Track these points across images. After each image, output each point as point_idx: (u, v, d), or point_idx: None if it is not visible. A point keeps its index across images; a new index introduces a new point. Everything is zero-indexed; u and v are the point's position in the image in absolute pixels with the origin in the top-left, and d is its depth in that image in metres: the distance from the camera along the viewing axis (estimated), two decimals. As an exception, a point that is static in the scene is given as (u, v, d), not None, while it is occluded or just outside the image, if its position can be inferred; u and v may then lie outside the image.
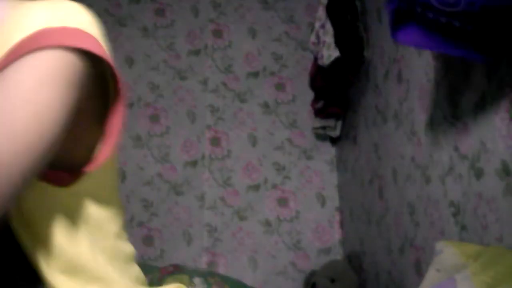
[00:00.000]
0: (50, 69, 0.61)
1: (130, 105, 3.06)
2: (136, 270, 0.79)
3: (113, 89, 0.69)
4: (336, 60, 2.32)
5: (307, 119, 3.02)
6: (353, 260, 2.42)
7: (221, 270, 2.76)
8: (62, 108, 0.60)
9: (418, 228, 1.68)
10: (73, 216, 0.69)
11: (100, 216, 0.72)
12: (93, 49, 0.64)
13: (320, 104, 2.72)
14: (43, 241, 0.66)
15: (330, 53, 2.34)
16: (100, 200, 0.72)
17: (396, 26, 1.21)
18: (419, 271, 1.65)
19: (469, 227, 1.32)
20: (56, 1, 0.67)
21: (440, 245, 1.19)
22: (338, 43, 2.30)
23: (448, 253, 1.13)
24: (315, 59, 2.57)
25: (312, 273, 2.58)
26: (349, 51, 2.32)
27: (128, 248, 0.77)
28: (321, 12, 2.48)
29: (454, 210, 1.42)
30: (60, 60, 0.62)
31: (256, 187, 2.93)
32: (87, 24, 0.67)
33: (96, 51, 0.64)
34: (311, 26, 2.72)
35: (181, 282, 2.13)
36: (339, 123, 2.83)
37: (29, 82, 0.59)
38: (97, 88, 0.69)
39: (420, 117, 1.69)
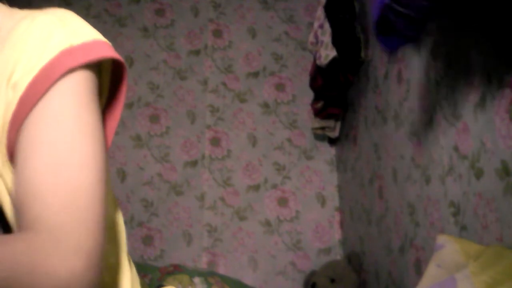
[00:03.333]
0: (83, 92, 0.63)
1: (130, 105, 3.06)
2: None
3: (107, 81, 0.71)
4: (334, 60, 2.32)
5: (307, 119, 3.02)
6: (353, 260, 2.42)
7: (221, 270, 2.76)
8: (99, 121, 0.64)
9: (418, 228, 1.68)
10: None
11: None
12: (115, 55, 0.66)
13: (320, 105, 2.72)
14: None
15: (327, 53, 2.34)
16: None
17: (383, 36, 1.24)
18: (419, 271, 1.65)
19: (469, 227, 1.32)
20: (55, 12, 0.68)
21: (441, 239, 1.19)
22: (335, 43, 2.30)
23: (449, 249, 1.13)
24: (315, 59, 2.58)
25: (312, 273, 2.58)
26: (346, 51, 2.32)
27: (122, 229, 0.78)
28: (320, 12, 2.48)
29: (454, 210, 1.42)
30: (89, 78, 0.64)
31: (256, 187, 2.93)
32: (90, 29, 0.68)
33: (117, 56, 0.67)
34: (311, 26, 2.73)
35: (181, 282, 2.14)
36: (338, 124, 2.83)
37: (70, 110, 0.61)
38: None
39: (420, 117, 1.69)
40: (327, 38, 2.36)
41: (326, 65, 2.37)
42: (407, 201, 1.79)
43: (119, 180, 2.98)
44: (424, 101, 1.65)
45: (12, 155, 0.61)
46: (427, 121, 1.62)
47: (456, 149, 1.42)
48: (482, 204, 1.26)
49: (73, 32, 0.65)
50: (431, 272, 1.12)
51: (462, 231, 1.36)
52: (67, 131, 0.60)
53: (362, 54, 2.36)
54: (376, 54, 2.22)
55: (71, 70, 0.62)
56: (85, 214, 0.57)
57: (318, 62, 2.44)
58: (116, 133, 2.98)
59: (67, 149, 0.59)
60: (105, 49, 0.66)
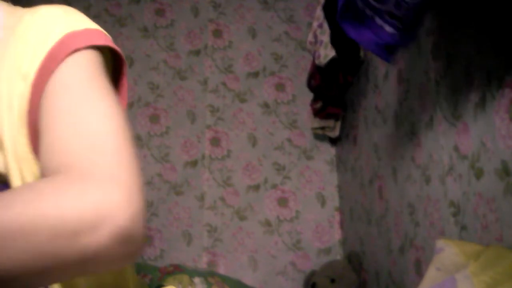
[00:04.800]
0: (93, 66, 0.63)
1: (130, 105, 3.06)
2: None
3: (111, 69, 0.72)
4: (333, 59, 2.32)
5: (307, 119, 3.02)
6: (353, 260, 2.42)
7: (221, 270, 2.76)
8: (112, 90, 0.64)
9: (418, 228, 1.68)
10: None
11: None
12: (116, 47, 0.68)
13: (319, 105, 2.72)
14: None
15: (327, 53, 2.34)
16: None
17: (345, 19, 1.24)
18: (419, 271, 1.65)
19: (469, 227, 1.32)
20: (57, 6, 0.69)
21: (440, 243, 1.19)
22: (334, 43, 2.30)
23: (448, 252, 1.13)
24: (314, 58, 2.58)
25: (312, 273, 2.58)
26: (344, 51, 2.32)
27: None
28: (319, 12, 2.48)
29: (454, 210, 1.42)
30: (96, 58, 0.65)
31: (256, 187, 2.93)
32: (92, 23, 0.69)
33: (118, 49, 0.68)
34: (311, 26, 2.73)
35: (181, 282, 2.14)
36: (338, 124, 2.82)
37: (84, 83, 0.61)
38: None
39: (420, 117, 1.69)
40: (326, 37, 2.36)
41: (325, 65, 2.37)
42: (407, 201, 1.79)
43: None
44: (424, 101, 1.65)
45: (36, 147, 0.60)
46: (427, 121, 1.62)
47: (456, 149, 1.42)
48: (482, 204, 1.26)
49: (76, 21, 0.66)
50: (431, 275, 1.12)
51: (462, 231, 1.36)
52: (82, 93, 0.60)
53: (361, 54, 2.36)
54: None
55: (77, 50, 0.62)
56: (115, 155, 0.55)
57: (317, 61, 2.43)
58: (116, 133, 2.97)
59: (85, 106, 0.59)
60: (107, 39, 0.67)
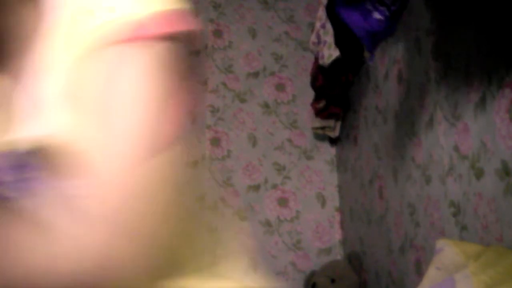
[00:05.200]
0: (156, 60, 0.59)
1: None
2: None
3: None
4: (337, 60, 2.32)
5: (307, 119, 3.01)
6: (353, 260, 2.42)
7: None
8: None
9: (418, 228, 1.68)
10: None
11: None
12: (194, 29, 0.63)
13: (321, 104, 2.72)
14: None
15: (330, 53, 2.34)
16: None
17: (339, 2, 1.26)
18: (419, 271, 1.65)
19: (469, 227, 1.32)
20: None
21: (440, 243, 1.19)
22: (338, 43, 2.30)
23: (448, 251, 1.13)
24: (316, 59, 2.58)
25: (312, 273, 2.58)
26: (349, 51, 2.32)
27: None
28: (322, 12, 2.48)
29: (454, 210, 1.42)
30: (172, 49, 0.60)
31: (256, 187, 2.93)
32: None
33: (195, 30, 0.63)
34: (312, 26, 2.73)
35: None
36: (339, 124, 2.82)
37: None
38: None
39: (420, 117, 1.69)
40: (329, 38, 2.36)
41: (329, 65, 2.37)
42: (407, 201, 1.79)
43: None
44: (424, 101, 1.65)
45: None
46: (427, 121, 1.62)
47: (456, 149, 1.42)
48: (482, 204, 1.26)
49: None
50: (431, 275, 1.12)
51: (462, 231, 1.36)
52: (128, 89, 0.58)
53: (365, 54, 2.36)
54: (376, 54, 2.22)
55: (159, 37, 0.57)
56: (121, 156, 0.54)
57: (320, 61, 2.44)
58: (116, 133, 2.98)
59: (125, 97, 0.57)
60: (190, 22, 0.63)
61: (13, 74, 0.60)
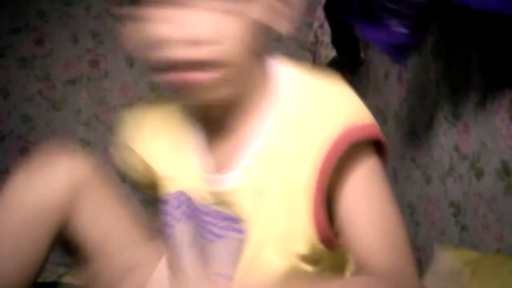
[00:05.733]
0: (377, 167, 0.78)
1: (131, 105, 3.06)
2: None
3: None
4: (334, 60, 2.33)
5: (307, 119, 3.01)
6: (353, 260, 2.42)
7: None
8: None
9: (418, 228, 1.68)
10: None
11: None
12: (384, 141, 0.78)
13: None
14: None
15: (327, 53, 2.34)
16: None
17: (358, 19, 1.23)
18: (419, 271, 1.65)
19: (469, 227, 1.32)
20: (343, 92, 0.82)
21: (438, 250, 1.18)
22: (335, 43, 2.30)
23: (444, 258, 1.12)
24: (314, 59, 2.58)
25: (312, 273, 2.57)
26: (345, 51, 2.32)
27: None
28: (320, 12, 2.48)
29: (454, 210, 1.42)
30: (376, 160, 0.78)
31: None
32: (367, 113, 0.80)
33: (384, 143, 0.79)
34: (311, 26, 2.73)
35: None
36: (339, 123, 2.83)
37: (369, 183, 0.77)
38: None
39: (420, 117, 1.69)
40: (327, 38, 2.36)
41: (326, 65, 2.37)
42: (407, 201, 1.79)
43: (119, 181, 2.97)
44: (424, 101, 1.65)
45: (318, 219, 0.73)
46: (427, 121, 1.62)
47: (456, 149, 1.42)
48: (482, 204, 1.26)
49: (356, 112, 0.77)
50: (426, 283, 1.11)
51: (463, 231, 1.36)
52: (384, 201, 0.77)
53: (362, 54, 2.36)
54: (376, 54, 2.22)
55: (355, 146, 0.73)
56: (407, 260, 0.71)
57: (318, 61, 2.44)
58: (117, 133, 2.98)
59: (385, 215, 0.75)
60: (379, 133, 0.78)
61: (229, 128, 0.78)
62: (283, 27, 0.83)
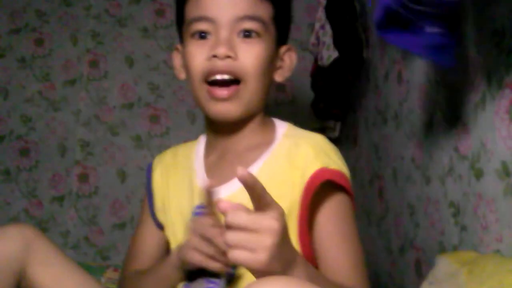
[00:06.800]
0: (348, 209, 1.12)
1: (130, 105, 3.06)
2: None
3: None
4: (336, 60, 2.32)
5: (307, 119, 3.01)
6: (353, 260, 2.41)
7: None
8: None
9: (418, 228, 1.68)
10: None
11: None
12: (350, 191, 1.14)
13: (321, 105, 2.72)
14: None
15: (329, 54, 2.34)
16: None
17: (386, 29, 1.18)
18: (419, 271, 1.65)
19: (469, 227, 1.32)
20: (320, 139, 1.20)
21: (437, 259, 1.18)
22: (337, 44, 2.30)
23: (441, 264, 1.12)
24: (315, 60, 2.58)
25: (312, 274, 2.57)
26: (348, 52, 2.32)
27: None
28: (321, 13, 2.48)
29: (454, 211, 1.42)
30: (346, 199, 1.14)
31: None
32: (341, 161, 1.16)
33: (350, 192, 1.14)
34: (311, 26, 2.73)
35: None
36: (339, 124, 2.82)
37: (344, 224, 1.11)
38: None
39: (420, 118, 1.69)
40: (328, 39, 2.36)
41: (328, 66, 2.37)
42: (407, 202, 1.79)
43: (119, 181, 2.98)
44: (424, 101, 1.65)
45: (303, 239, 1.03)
46: (427, 121, 1.62)
47: (456, 149, 1.42)
48: (482, 205, 1.26)
49: (332, 160, 1.14)
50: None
51: (462, 231, 1.36)
52: (348, 228, 1.06)
53: (364, 55, 2.36)
54: (376, 54, 2.22)
55: (327, 184, 1.05)
56: (364, 277, 1.08)
57: (320, 63, 2.44)
58: (116, 134, 2.98)
59: (351, 240, 1.05)
60: (348, 183, 1.13)
61: None
62: (283, 76, 1.28)
